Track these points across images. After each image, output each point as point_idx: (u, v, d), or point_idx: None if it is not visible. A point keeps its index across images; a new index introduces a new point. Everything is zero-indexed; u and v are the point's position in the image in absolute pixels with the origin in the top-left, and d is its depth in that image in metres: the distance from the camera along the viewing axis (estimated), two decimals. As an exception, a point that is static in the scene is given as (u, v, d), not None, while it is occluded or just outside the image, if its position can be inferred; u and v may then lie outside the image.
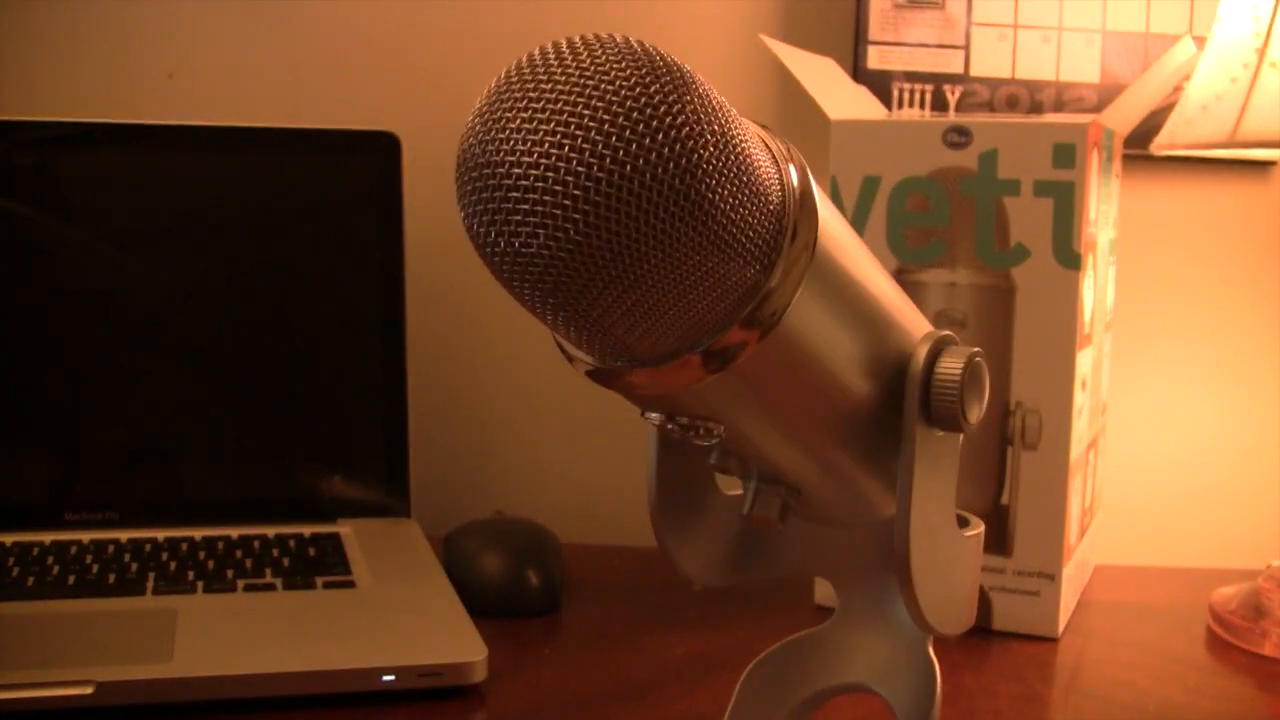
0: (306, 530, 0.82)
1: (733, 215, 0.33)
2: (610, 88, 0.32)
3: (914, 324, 0.42)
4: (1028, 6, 0.93)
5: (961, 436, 0.43)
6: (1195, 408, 0.99)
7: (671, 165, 0.32)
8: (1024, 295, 0.73)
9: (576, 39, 0.33)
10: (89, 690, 0.59)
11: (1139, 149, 0.88)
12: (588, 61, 0.32)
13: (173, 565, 0.75)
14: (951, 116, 0.90)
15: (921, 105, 0.93)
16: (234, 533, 0.80)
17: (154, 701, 0.60)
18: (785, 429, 0.39)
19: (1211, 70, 0.75)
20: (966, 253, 0.73)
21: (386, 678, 0.63)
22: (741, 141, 0.34)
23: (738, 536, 0.49)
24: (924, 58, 0.93)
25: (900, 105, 0.93)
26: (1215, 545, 0.98)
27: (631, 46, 0.33)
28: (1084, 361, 0.75)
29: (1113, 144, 0.79)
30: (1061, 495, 0.73)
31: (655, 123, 0.32)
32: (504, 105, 0.33)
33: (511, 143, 0.32)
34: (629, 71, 0.32)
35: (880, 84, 0.92)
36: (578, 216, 0.32)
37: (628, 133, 0.32)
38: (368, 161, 0.85)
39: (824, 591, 0.79)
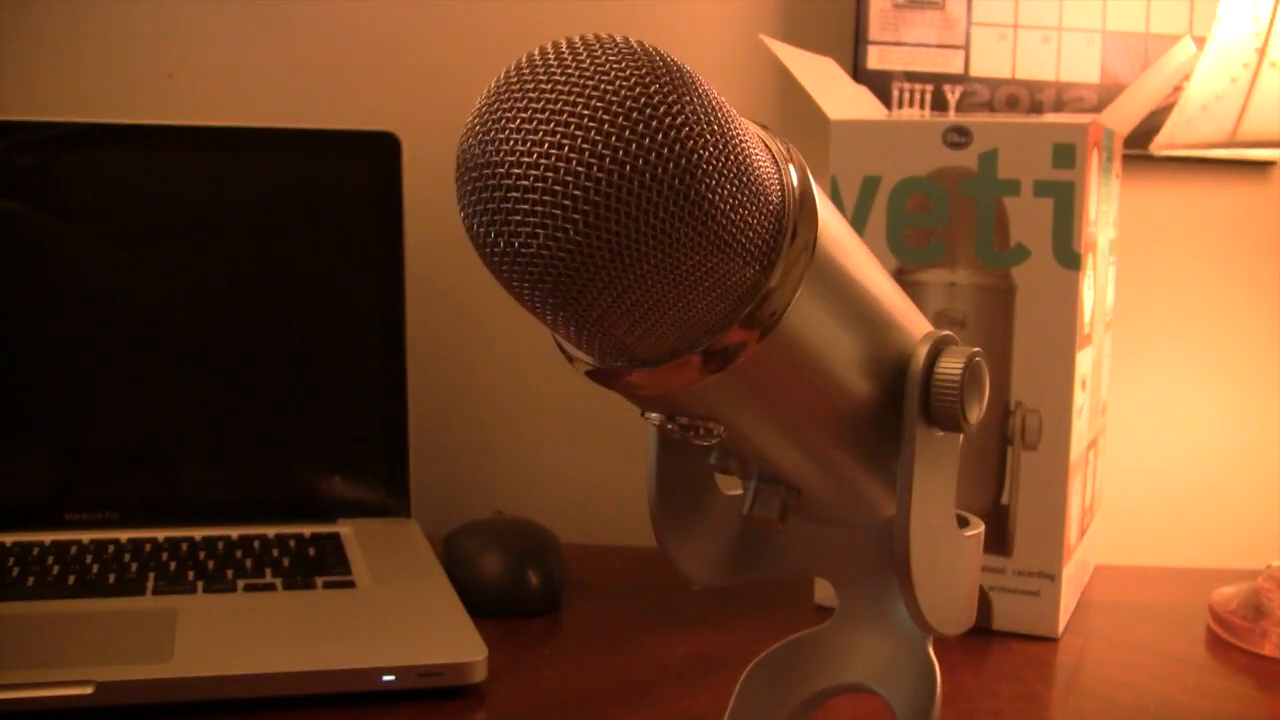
0: (306, 530, 0.82)
1: (732, 215, 0.33)
2: (610, 88, 0.32)
3: (914, 324, 0.42)
4: (1028, 6, 0.93)
5: (961, 436, 0.43)
6: (1195, 408, 0.99)
7: (671, 165, 0.32)
8: (1024, 295, 0.73)
9: (576, 39, 0.33)
10: (89, 690, 0.59)
11: (1139, 149, 0.88)
12: (587, 62, 0.32)
13: (173, 565, 0.75)
14: (951, 116, 0.90)
15: (921, 105, 0.93)
16: (234, 533, 0.80)
17: (154, 701, 0.60)
18: (785, 429, 0.39)
19: (1211, 70, 0.75)
20: (966, 253, 0.73)
21: (386, 678, 0.63)
22: (741, 141, 0.34)
23: (738, 536, 0.49)
24: (924, 58, 0.93)
25: (900, 105, 0.93)
26: (1215, 545, 0.98)
27: (631, 47, 0.33)
28: (1084, 361, 0.75)
29: (1113, 144, 0.79)
30: (1061, 495, 0.73)
31: (655, 123, 0.32)
32: (504, 105, 0.33)
33: (511, 143, 0.32)
34: (629, 72, 0.32)
35: (880, 84, 0.92)
36: (577, 217, 0.32)
37: (627, 133, 0.32)
38: (368, 161, 0.85)
39: (824, 591, 0.79)
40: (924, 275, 0.74)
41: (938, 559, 0.43)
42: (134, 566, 0.74)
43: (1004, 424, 0.74)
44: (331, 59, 0.94)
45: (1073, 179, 0.71)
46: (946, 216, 0.73)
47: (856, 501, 0.45)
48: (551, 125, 0.32)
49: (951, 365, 0.41)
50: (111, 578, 0.73)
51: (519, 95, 0.32)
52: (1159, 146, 0.80)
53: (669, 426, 0.38)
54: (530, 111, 0.32)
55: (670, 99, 0.32)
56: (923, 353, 0.41)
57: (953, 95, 0.93)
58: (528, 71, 0.33)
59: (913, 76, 0.93)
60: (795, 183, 0.36)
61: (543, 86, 0.32)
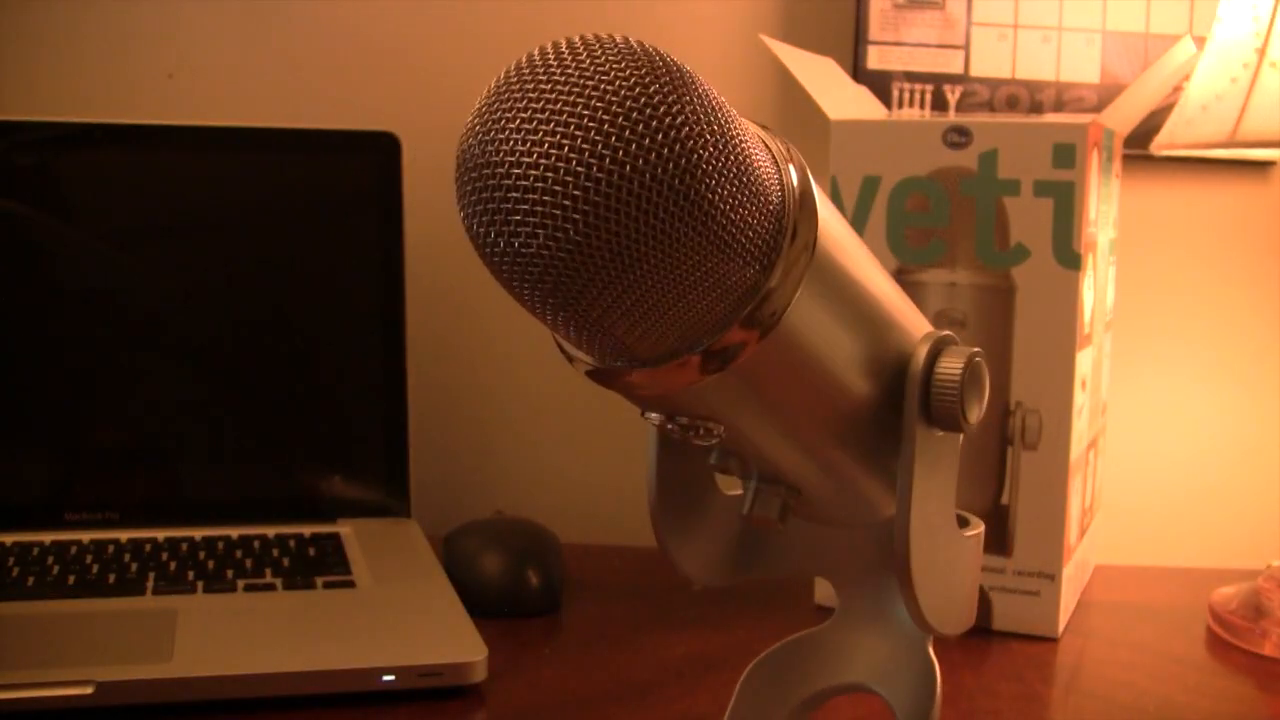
0: (306, 530, 0.82)
1: (732, 215, 0.33)
2: (610, 88, 0.32)
3: (914, 324, 0.42)
4: (1028, 6, 0.93)
5: (961, 436, 0.43)
6: (1195, 408, 0.99)
7: (671, 165, 0.32)
8: (1024, 295, 0.73)
9: (576, 39, 0.33)
10: (89, 690, 0.59)
11: (1139, 149, 0.88)
12: (587, 62, 0.32)
13: (173, 565, 0.75)
14: (951, 116, 0.90)
15: (921, 105, 0.93)
16: (234, 533, 0.80)
17: (154, 701, 0.60)
18: (785, 429, 0.39)
19: (1211, 70, 0.75)
20: (966, 253, 0.73)
21: (386, 678, 0.63)
22: (741, 141, 0.34)
23: (738, 536, 0.49)
24: (924, 58, 0.93)
25: (900, 105, 0.93)
26: (1215, 545, 0.98)
27: (631, 47, 0.33)
28: (1084, 361, 0.75)
29: (1113, 144, 0.79)
30: (1061, 495, 0.73)
31: (655, 123, 0.32)
32: (504, 105, 0.33)
33: (511, 143, 0.32)
34: (629, 72, 0.32)
35: (880, 84, 0.92)
36: (577, 217, 0.32)
37: (627, 133, 0.32)
38: (368, 161, 0.85)
39: (824, 591, 0.79)
40: (924, 275, 0.74)
41: (938, 559, 0.43)
42: (134, 566, 0.74)
43: (1004, 424, 0.74)
44: (331, 59, 0.94)
45: (1073, 179, 0.71)
46: (946, 216, 0.73)
47: (856, 501, 0.45)
48: (551, 125, 0.32)
49: (951, 365, 0.41)
50: (111, 578, 0.73)
51: (519, 95, 0.32)
52: (1159, 146, 0.80)
53: (669, 426, 0.38)
54: (530, 111, 0.32)
55: (670, 99, 0.32)
56: (923, 353, 0.41)
57: (953, 95, 0.93)
58: (527, 72, 0.33)
59: (913, 76, 0.93)
60: (795, 183, 0.36)
61: (543, 86, 0.32)
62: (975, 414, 0.42)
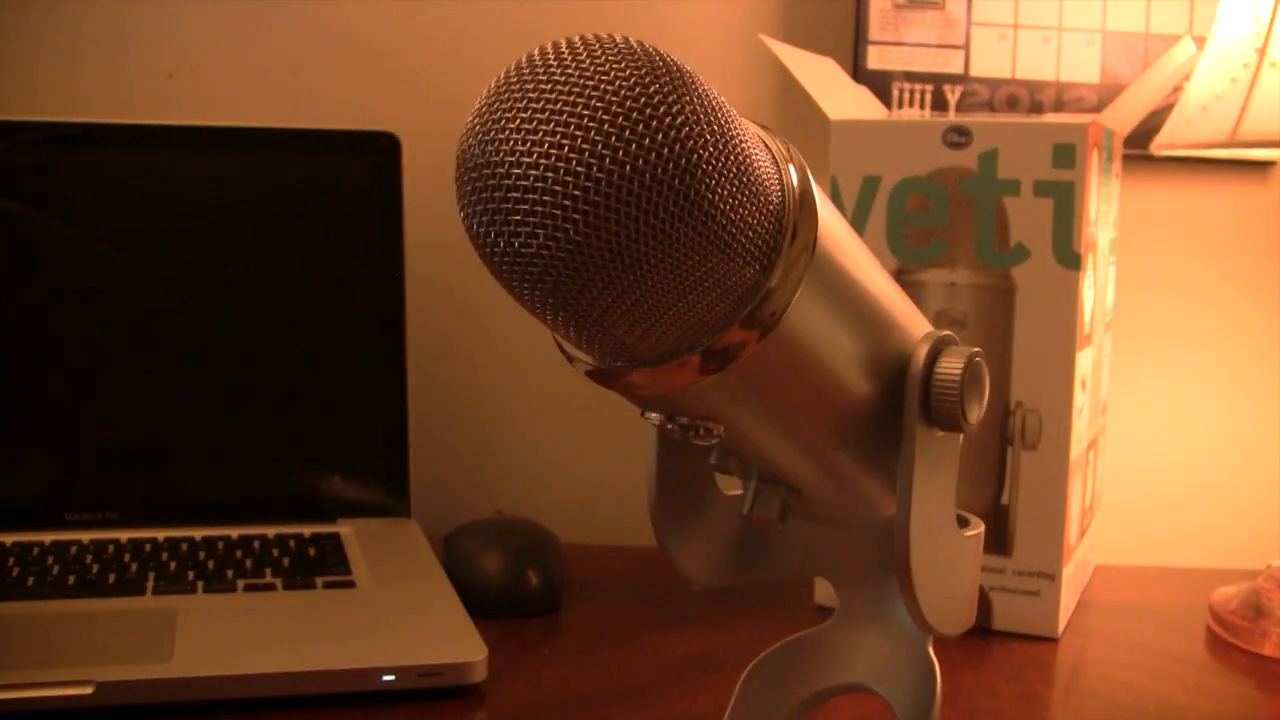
0: (306, 530, 0.82)
1: (732, 215, 0.33)
2: (610, 88, 0.32)
3: (914, 324, 0.42)
4: (1028, 6, 0.93)
5: (961, 436, 0.43)
6: (1195, 408, 0.99)
7: (671, 165, 0.32)
8: (1024, 295, 0.73)
9: (576, 39, 0.33)
10: (89, 690, 0.59)
11: (1139, 149, 0.88)
12: (587, 62, 0.32)
13: (173, 565, 0.75)
14: (951, 116, 0.90)
15: (921, 105, 0.93)
16: (234, 533, 0.80)
17: (154, 701, 0.60)
18: (785, 429, 0.39)
19: (1211, 70, 0.75)
20: (966, 253, 0.73)
21: (386, 678, 0.63)
22: (741, 141, 0.34)
23: (738, 536, 0.49)
24: (924, 58, 0.93)
25: (900, 105, 0.93)
26: (1215, 545, 0.98)
27: (631, 47, 0.33)
28: (1084, 361, 0.75)
29: (1113, 144, 0.79)
30: (1061, 495, 0.73)
31: (655, 123, 0.32)
32: (504, 105, 0.33)
33: (511, 143, 0.32)
34: (629, 72, 0.32)
35: (880, 84, 0.92)
36: (577, 217, 0.32)
37: (627, 133, 0.32)
38: (368, 161, 0.85)
39: (824, 591, 0.79)
40: (924, 275, 0.74)
41: (938, 559, 0.43)
42: (134, 566, 0.74)
43: (1004, 424, 0.74)
44: (331, 59, 0.94)
45: (1073, 179, 0.71)
46: (946, 216, 0.73)
47: (856, 501, 0.45)
48: (551, 125, 0.32)
49: (951, 365, 0.41)
50: (111, 578, 0.73)
51: (519, 95, 0.32)
52: (1159, 146, 0.80)
53: (669, 426, 0.38)
54: (530, 111, 0.32)
55: (670, 99, 0.32)
56: (923, 353, 0.41)
57: (953, 95, 0.93)
58: (527, 72, 0.33)
59: (913, 76, 0.93)
60: (795, 183, 0.36)
61: (542, 87, 0.32)
62: (975, 414, 0.42)
